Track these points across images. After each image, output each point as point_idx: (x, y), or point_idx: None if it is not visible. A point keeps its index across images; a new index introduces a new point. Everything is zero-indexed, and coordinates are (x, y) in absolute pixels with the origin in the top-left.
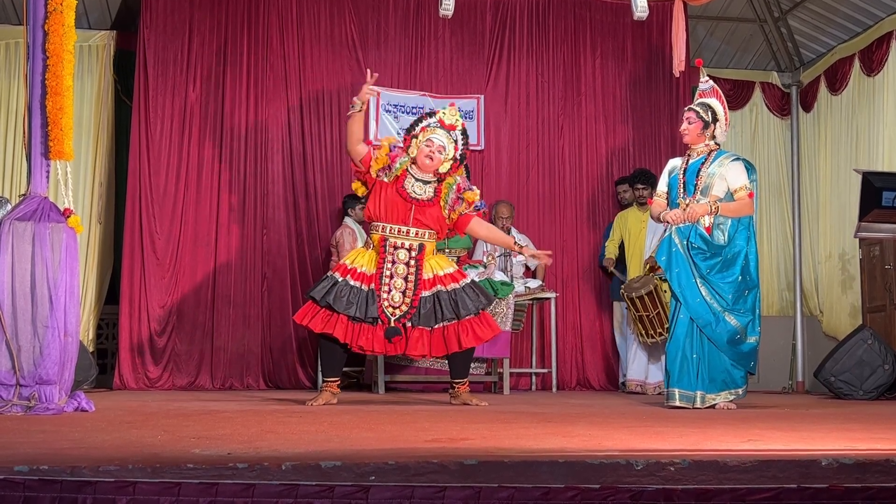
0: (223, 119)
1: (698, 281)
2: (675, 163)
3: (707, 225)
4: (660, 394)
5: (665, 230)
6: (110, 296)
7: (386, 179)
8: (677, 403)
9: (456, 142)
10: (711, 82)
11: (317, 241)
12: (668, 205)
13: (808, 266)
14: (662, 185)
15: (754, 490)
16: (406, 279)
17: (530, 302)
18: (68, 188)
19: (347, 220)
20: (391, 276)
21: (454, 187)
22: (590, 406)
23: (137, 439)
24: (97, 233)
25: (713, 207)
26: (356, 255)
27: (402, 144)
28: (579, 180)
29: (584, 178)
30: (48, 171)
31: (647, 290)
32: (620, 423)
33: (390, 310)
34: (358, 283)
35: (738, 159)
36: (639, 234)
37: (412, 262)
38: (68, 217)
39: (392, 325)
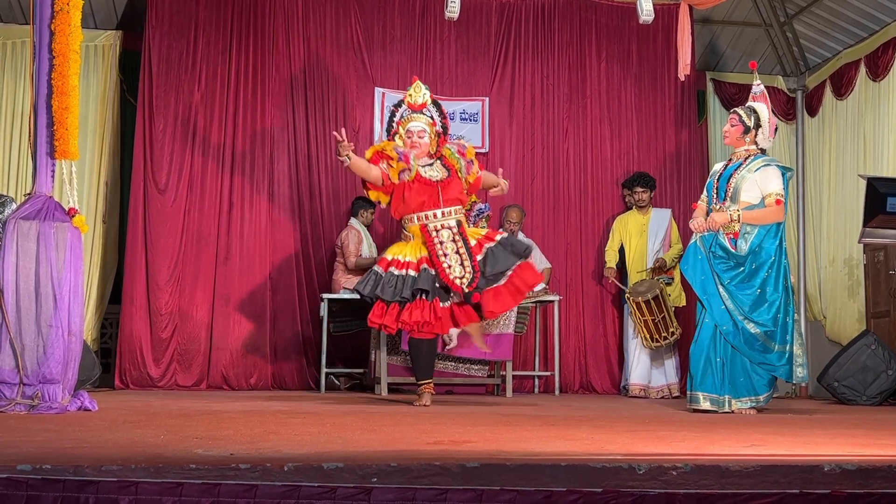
0: (228, 119)
1: (720, 288)
2: (717, 167)
3: (736, 231)
4: (663, 398)
5: (692, 237)
6: (115, 295)
7: (408, 178)
8: (701, 406)
9: (431, 117)
10: (762, 87)
11: (321, 242)
12: (707, 210)
13: (812, 270)
14: (705, 190)
15: (756, 495)
16: (458, 252)
17: (534, 304)
18: (73, 187)
19: (353, 222)
20: (445, 254)
21: (457, 155)
22: (592, 409)
23: (140, 439)
24: (101, 232)
25: (734, 216)
26: (396, 248)
27: (400, 146)
28: (584, 183)
29: (588, 181)
30: (53, 171)
31: (652, 294)
32: (623, 427)
33: (458, 281)
34: (402, 272)
35: (770, 164)
36: (639, 238)
37: (457, 238)
38: (73, 216)
39: (466, 291)
